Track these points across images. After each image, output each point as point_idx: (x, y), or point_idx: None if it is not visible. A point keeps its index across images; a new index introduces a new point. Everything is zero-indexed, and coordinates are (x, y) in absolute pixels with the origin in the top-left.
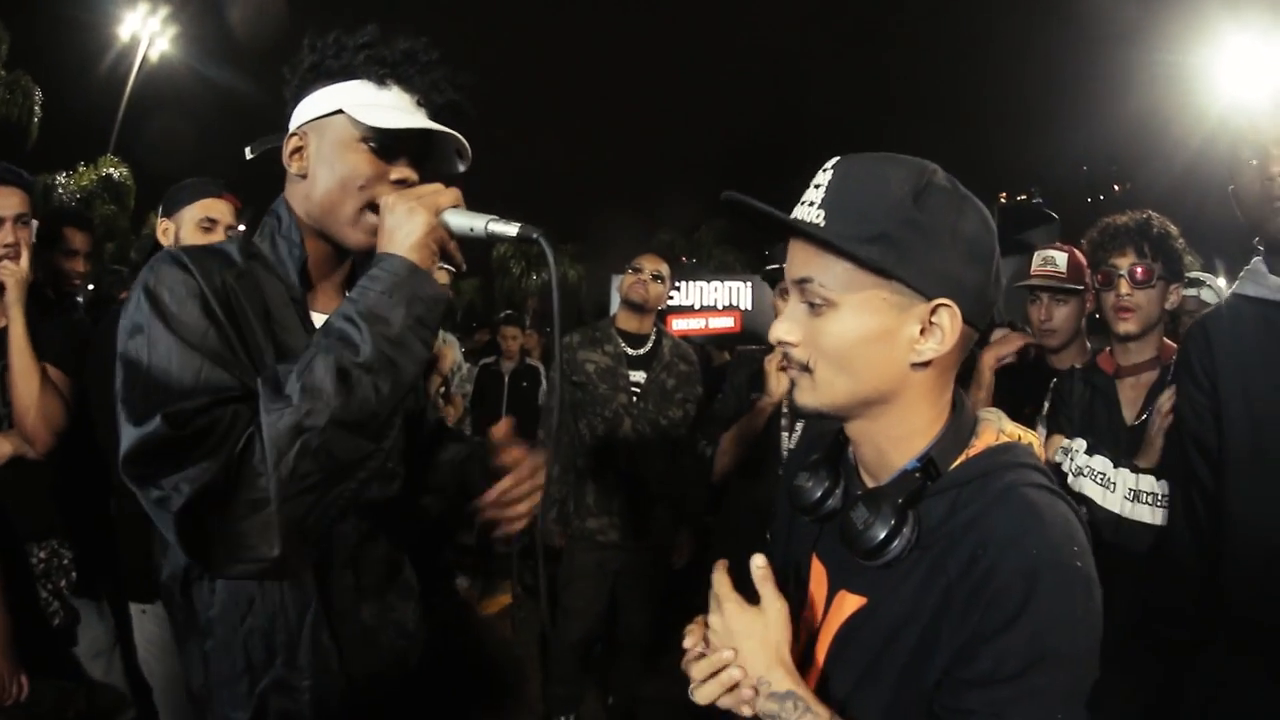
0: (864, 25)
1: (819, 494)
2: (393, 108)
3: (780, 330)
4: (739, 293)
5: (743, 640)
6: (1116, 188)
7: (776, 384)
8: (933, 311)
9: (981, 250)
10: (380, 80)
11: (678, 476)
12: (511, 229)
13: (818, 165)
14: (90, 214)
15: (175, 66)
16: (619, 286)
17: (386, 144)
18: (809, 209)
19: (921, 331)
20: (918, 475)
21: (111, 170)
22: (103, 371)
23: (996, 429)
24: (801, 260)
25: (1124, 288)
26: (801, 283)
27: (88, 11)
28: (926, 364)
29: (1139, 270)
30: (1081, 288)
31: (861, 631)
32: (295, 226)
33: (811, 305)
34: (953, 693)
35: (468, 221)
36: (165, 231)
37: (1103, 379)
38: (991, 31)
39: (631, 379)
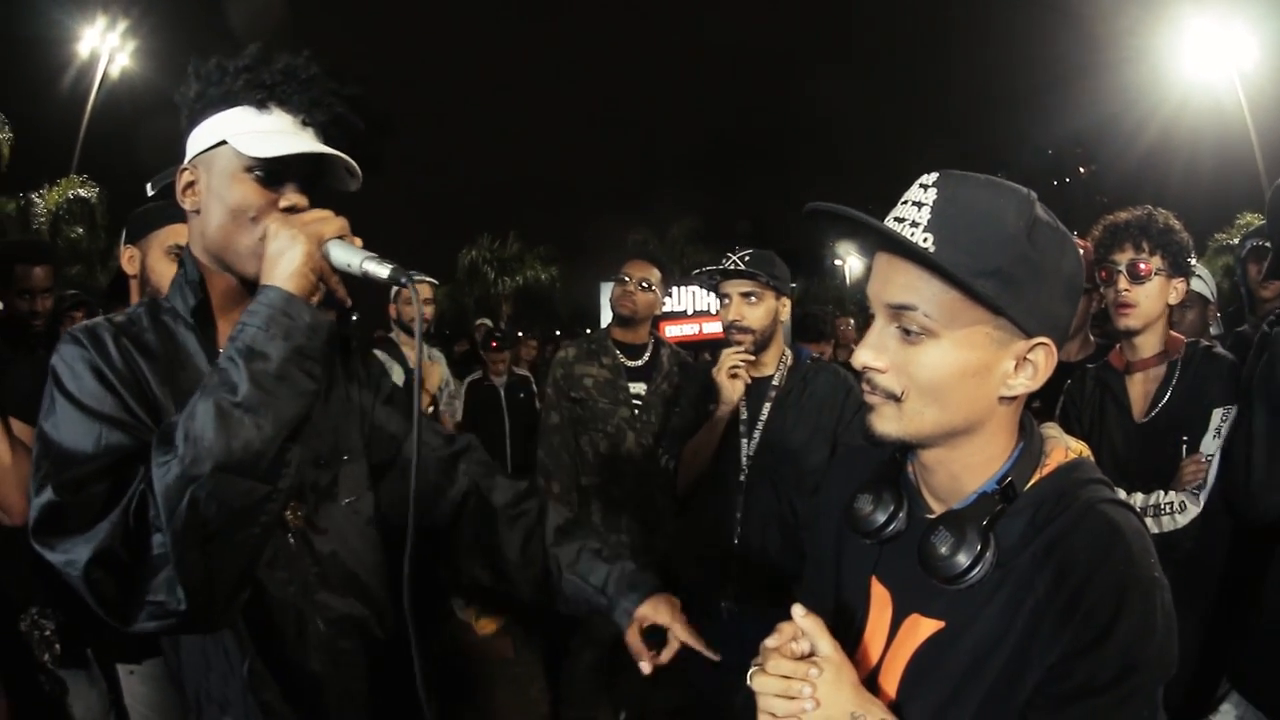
0: (831, 14)
1: (883, 518)
2: (275, 132)
3: (867, 356)
4: None
5: (819, 689)
6: (1082, 170)
7: (730, 392)
8: (1030, 349)
9: (1075, 288)
10: (260, 104)
11: None
12: (384, 270)
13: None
14: (57, 238)
15: (136, 82)
16: (610, 297)
17: (272, 171)
18: (912, 229)
19: (1015, 367)
20: (996, 497)
21: (79, 191)
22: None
23: (1064, 446)
24: (902, 285)
25: (1123, 283)
26: (900, 309)
27: (44, 29)
28: (1013, 397)
29: (1139, 266)
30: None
31: (944, 655)
32: (195, 268)
33: (906, 332)
34: (1048, 708)
35: (345, 257)
36: (131, 259)
37: (1114, 376)
38: (955, 16)
39: (632, 391)
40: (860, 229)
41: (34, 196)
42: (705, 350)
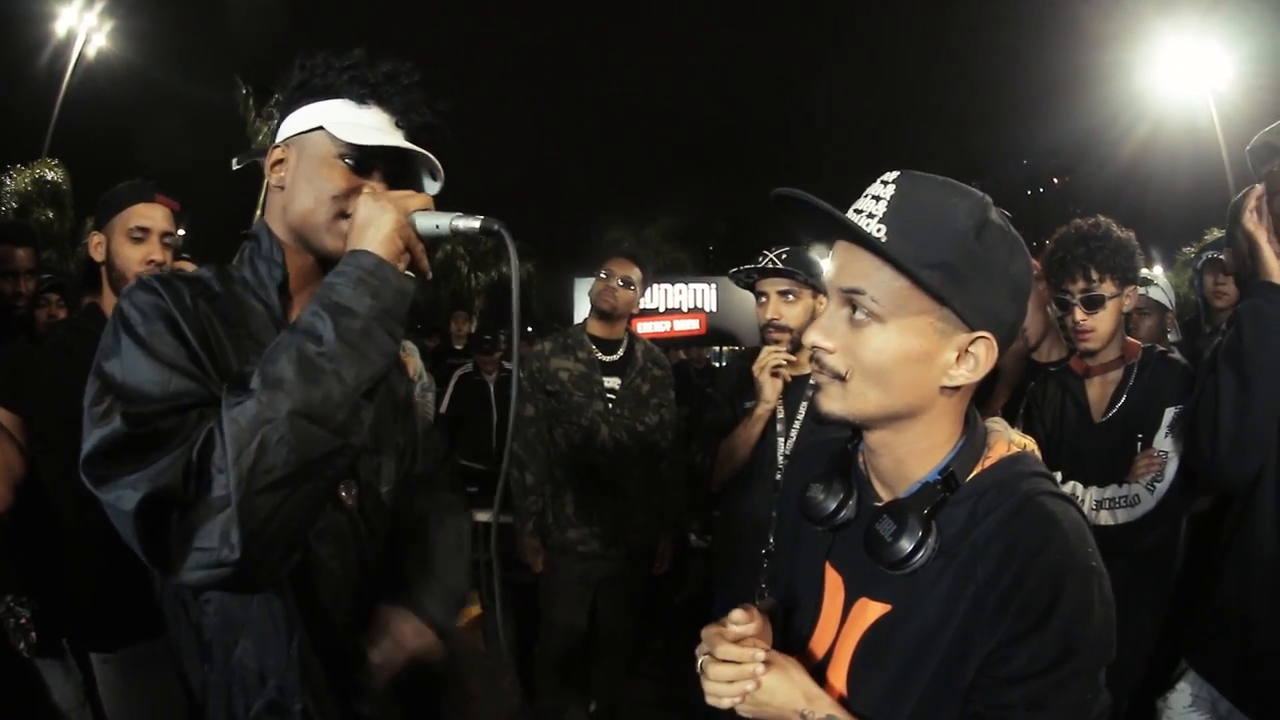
0: (807, 25)
1: (833, 505)
2: (371, 127)
3: (816, 336)
4: (704, 295)
5: (772, 693)
6: (1056, 180)
7: (771, 390)
8: (972, 342)
9: (1022, 290)
10: (360, 100)
11: (657, 482)
12: (474, 222)
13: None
14: (27, 220)
15: (113, 63)
16: (589, 292)
17: (362, 161)
18: (868, 220)
19: (957, 358)
20: (938, 487)
21: (48, 173)
22: (43, 403)
23: (1007, 440)
24: (855, 271)
25: (1079, 314)
26: (851, 292)
27: (20, 6)
28: (955, 388)
29: (1092, 295)
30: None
31: (890, 637)
32: (276, 246)
33: (854, 316)
34: (991, 690)
35: (433, 220)
36: (98, 246)
37: (1073, 379)
38: (933, 30)
39: (606, 385)
40: (822, 218)
41: (3, 178)
42: (677, 348)
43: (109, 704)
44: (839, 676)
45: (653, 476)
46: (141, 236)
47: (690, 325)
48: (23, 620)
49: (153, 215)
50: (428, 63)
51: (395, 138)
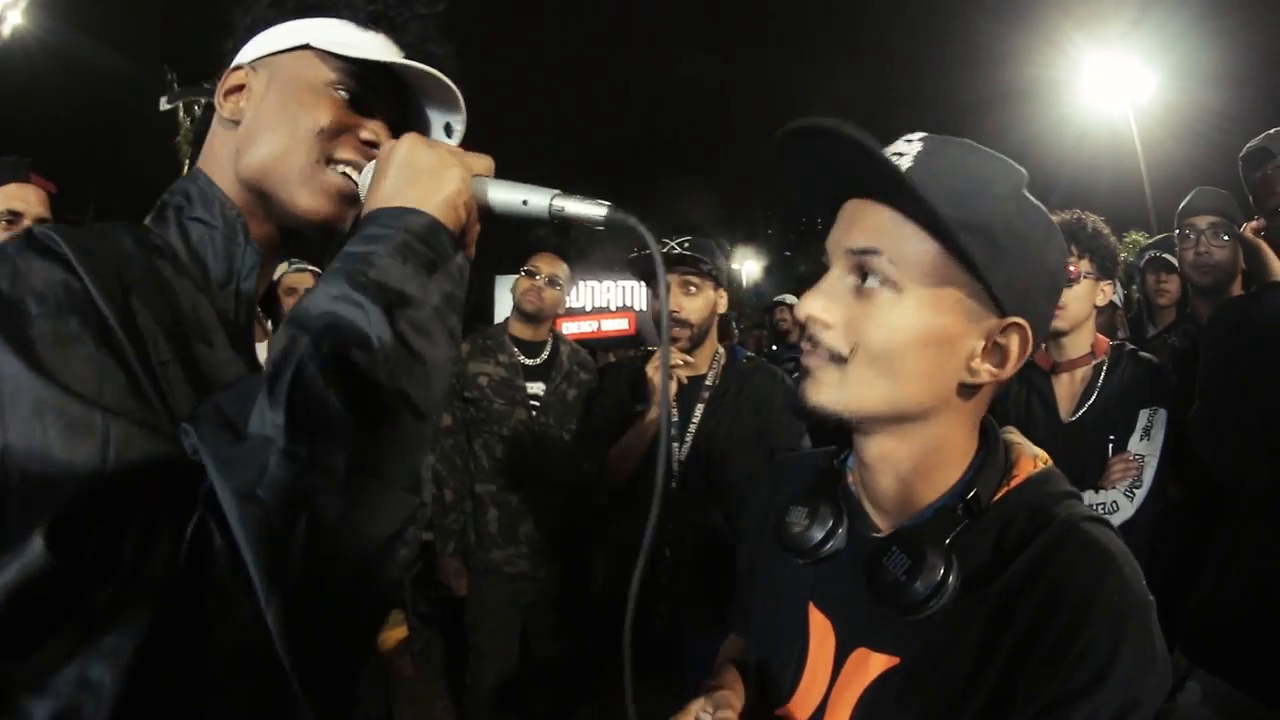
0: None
1: (819, 535)
2: (376, 49)
3: (814, 306)
4: (633, 293)
5: None
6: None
7: (665, 392)
8: (1004, 329)
9: (1057, 285)
10: (363, 22)
11: (587, 496)
12: (594, 210)
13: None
14: None
15: (29, 40)
16: (512, 290)
17: (362, 95)
18: (896, 157)
19: (984, 349)
20: (959, 511)
21: None
22: None
23: (1031, 454)
24: (870, 227)
25: None
26: (864, 253)
27: None
28: (975, 387)
29: (1069, 268)
30: None
31: (902, 697)
32: (227, 203)
33: (862, 285)
34: None
35: (518, 195)
36: None
37: (1040, 376)
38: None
39: (529, 391)
40: (845, 152)
41: None
42: (606, 349)
43: None
44: None
45: (583, 490)
46: (13, 221)
47: (619, 325)
48: None
49: (25, 196)
50: None
51: (404, 59)
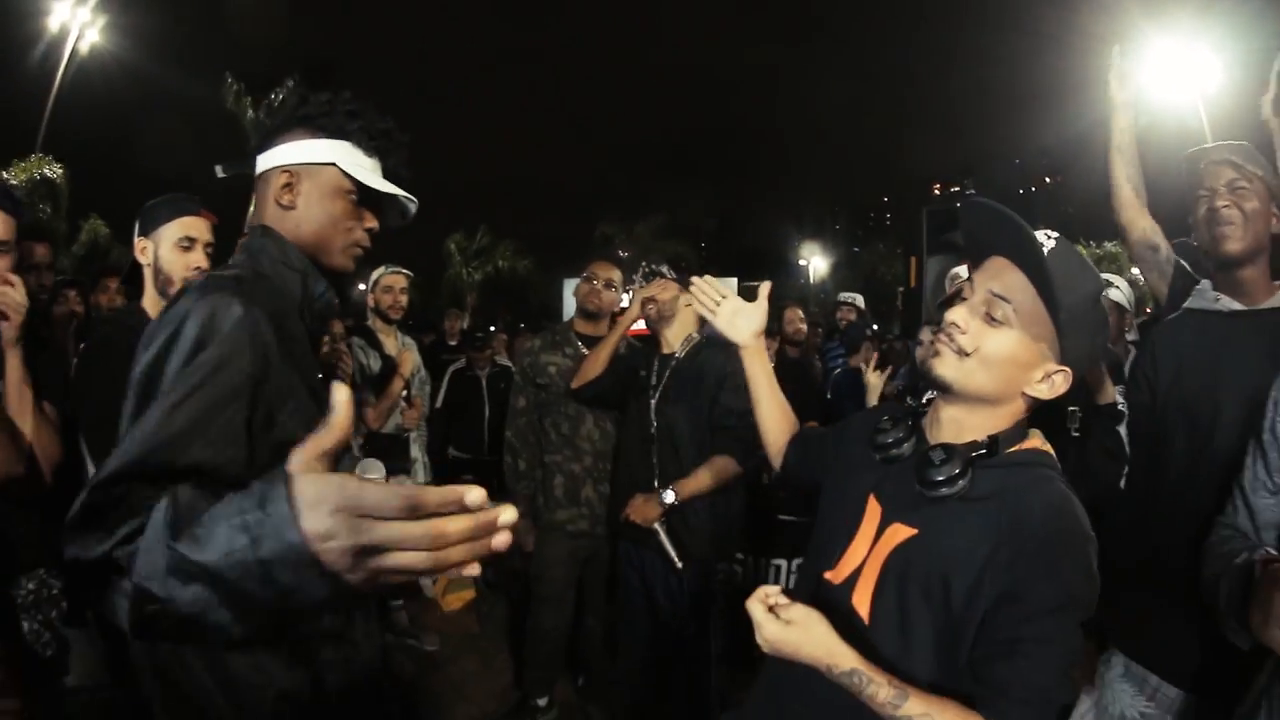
0: (798, 28)
1: (896, 437)
2: (374, 173)
3: (959, 316)
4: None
5: (798, 648)
6: (1048, 180)
7: (635, 309)
8: (1057, 371)
9: (1096, 357)
10: (367, 150)
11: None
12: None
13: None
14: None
15: (107, 58)
16: (574, 292)
17: (364, 199)
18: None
19: (1041, 378)
20: (983, 444)
21: (46, 170)
22: (100, 392)
23: (1041, 440)
24: (1009, 283)
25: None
26: (999, 297)
27: (13, 1)
28: (1026, 397)
29: None
30: None
31: (914, 558)
32: (296, 252)
33: (991, 314)
34: (1003, 624)
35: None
36: (144, 251)
37: None
38: (923, 32)
39: None
40: (1010, 235)
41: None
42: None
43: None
44: (864, 597)
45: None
46: (189, 246)
47: None
48: (54, 592)
49: (199, 227)
50: (421, 59)
51: (394, 188)
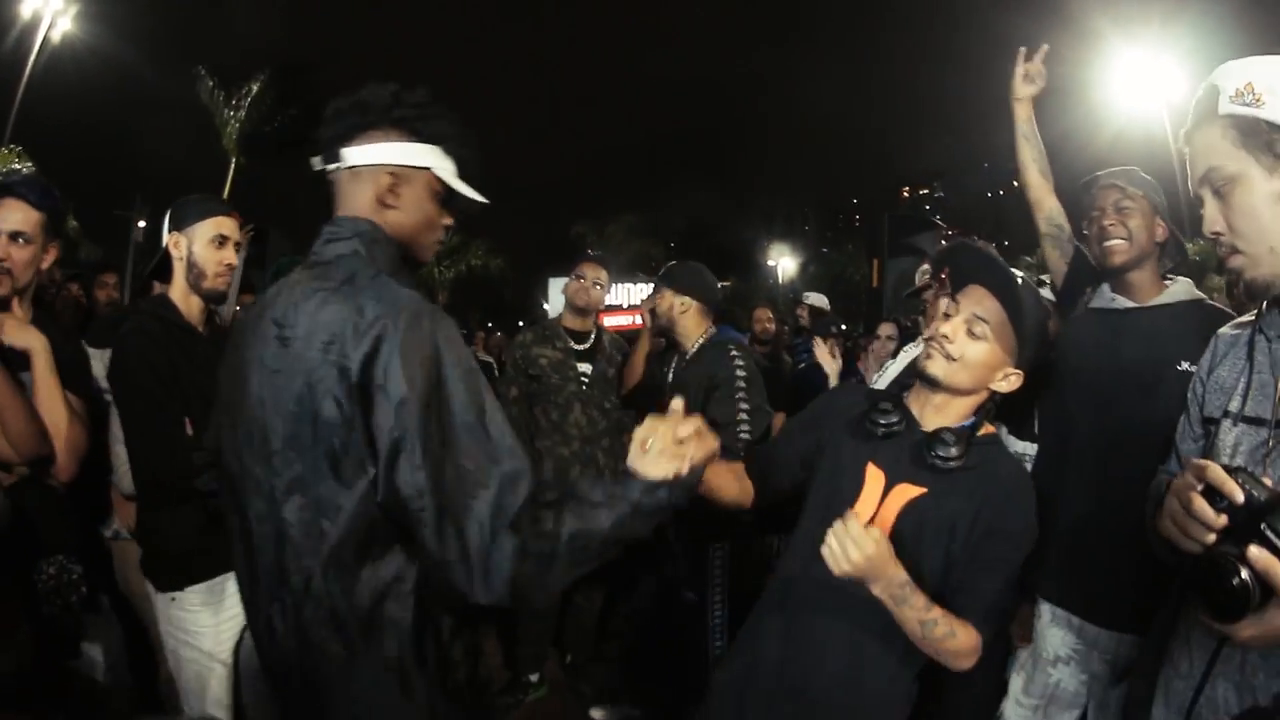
0: (777, 33)
1: (895, 419)
2: (455, 176)
3: (948, 330)
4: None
5: (886, 563)
6: (1016, 184)
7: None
8: (1013, 372)
9: (1040, 360)
10: (452, 157)
11: (622, 452)
12: None
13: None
14: None
15: (79, 46)
16: (564, 290)
17: (448, 200)
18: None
19: (1002, 378)
20: (971, 431)
21: (15, 164)
22: (137, 383)
23: (994, 423)
24: (989, 308)
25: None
26: (979, 318)
27: None
28: (990, 390)
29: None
30: None
31: (927, 514)
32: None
33: (973, 330)
34: (986, 550)
35: None
36: (177, 244)
37: None
38: (894, 39)
39: (579, 370)
40: (993, 276)
41: None
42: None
43: (173, 639)
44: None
45: (618, 446)
46: (223, 243)
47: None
48: (74, 576)
49: (230, 226)
50: (387, 63)
51: (475, 194)
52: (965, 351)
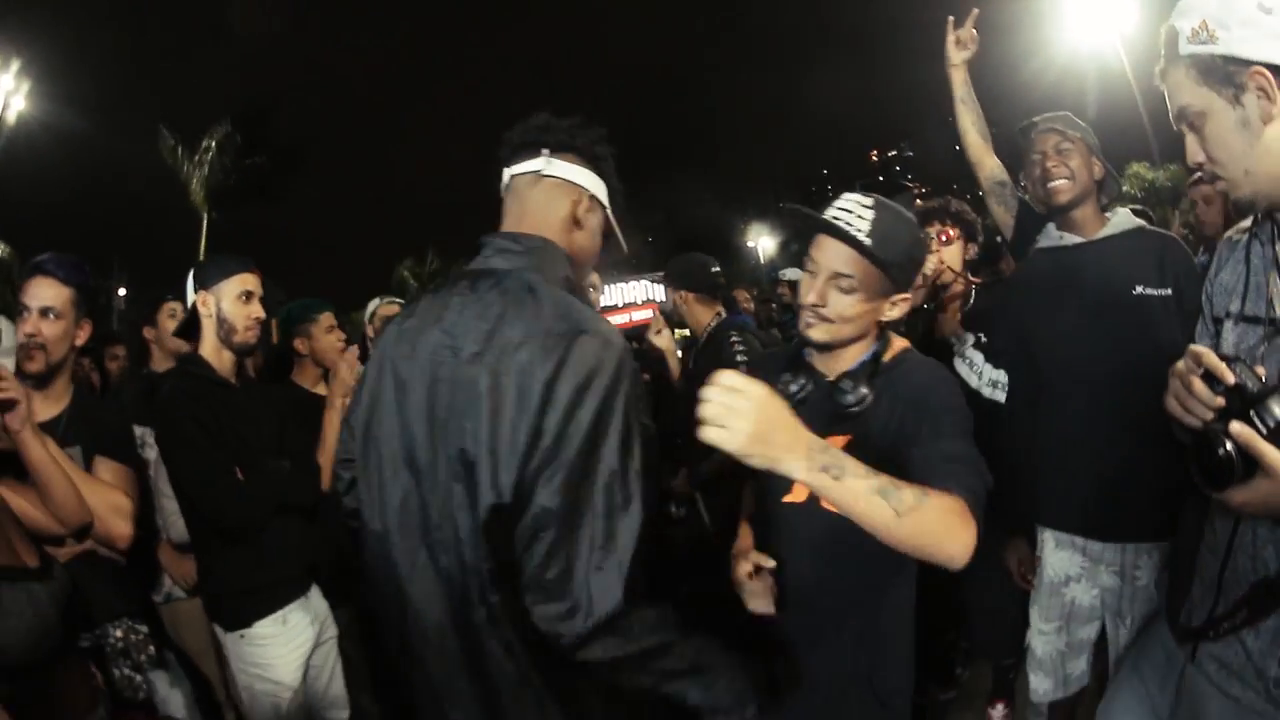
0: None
1: (800, 384)
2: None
3: (813, 297)
4: (653, 288)
5: (762, 404)
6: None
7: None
8: (900, 298)
9: (920, 274)
10: (605, 177)
11: None
12: None
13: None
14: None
15: (34, 126)
16: None
17: (605, 240)
18: (858, 231)
19: (889, 306)
20: (871, 363)
21: None
22: (175, 442)
23: (902, 341)
24: (845, 259)
25: (934, 246)
26: (841, 275)
27: None
28: (881, 322)
29: (945, 234)
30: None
31: (862, 454)
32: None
33: (840, 285)
34: (921, 439)
35: None
36: (205, 303)
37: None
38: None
39: None
40: (825, 228)
41: None
42: (635, 338)
43: (245, 675)
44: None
45: None
46: (248, 298)
47: (645, 315)
48: (141, 636)
49: (255, 282)
50: (355, 89)
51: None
52: (839, 309)
